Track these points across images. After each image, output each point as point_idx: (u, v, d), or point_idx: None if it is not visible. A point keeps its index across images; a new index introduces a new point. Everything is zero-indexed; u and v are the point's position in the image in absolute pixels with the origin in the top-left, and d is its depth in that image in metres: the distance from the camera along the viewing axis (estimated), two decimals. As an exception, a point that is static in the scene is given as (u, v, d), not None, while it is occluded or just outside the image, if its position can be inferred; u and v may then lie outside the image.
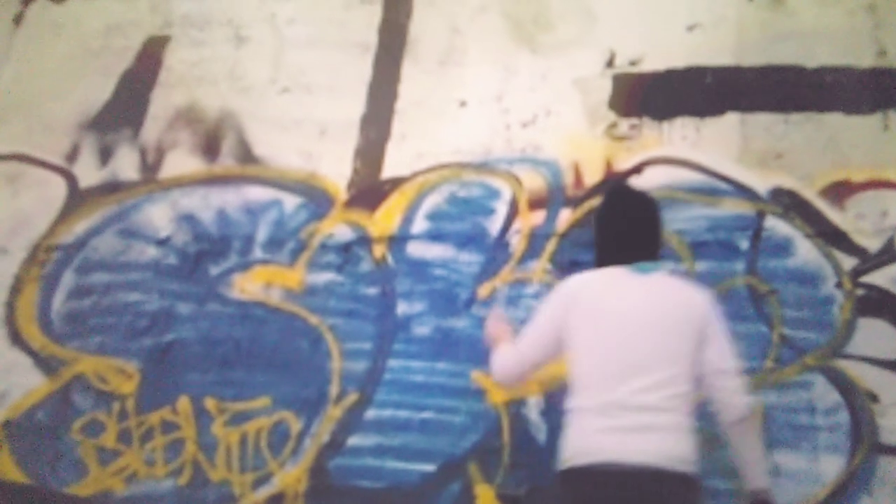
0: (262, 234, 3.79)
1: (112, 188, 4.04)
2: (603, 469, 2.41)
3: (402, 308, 3.56)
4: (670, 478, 2.40)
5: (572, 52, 3.79)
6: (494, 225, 3.59)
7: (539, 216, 3.56)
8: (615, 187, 2.94)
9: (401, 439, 3.40)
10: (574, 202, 3.53)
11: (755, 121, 3.50)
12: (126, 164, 4.07)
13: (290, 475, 3.45)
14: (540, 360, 2.72)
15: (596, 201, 3.44)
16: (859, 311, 3.20)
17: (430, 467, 3.34)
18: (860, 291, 3.21)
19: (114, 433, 3.65)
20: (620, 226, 2.75)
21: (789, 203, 3.36)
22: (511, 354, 2.73)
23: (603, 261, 2.73)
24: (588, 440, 2.49)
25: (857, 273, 3.24)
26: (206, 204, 3.90)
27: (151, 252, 3.88)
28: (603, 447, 2.44)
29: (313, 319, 3.62)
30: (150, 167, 4.04)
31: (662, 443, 2.43)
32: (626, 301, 2.60)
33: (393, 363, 3.50)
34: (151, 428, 3.63)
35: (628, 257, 2.67)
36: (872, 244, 3.26)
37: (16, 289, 3.95)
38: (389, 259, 3.64)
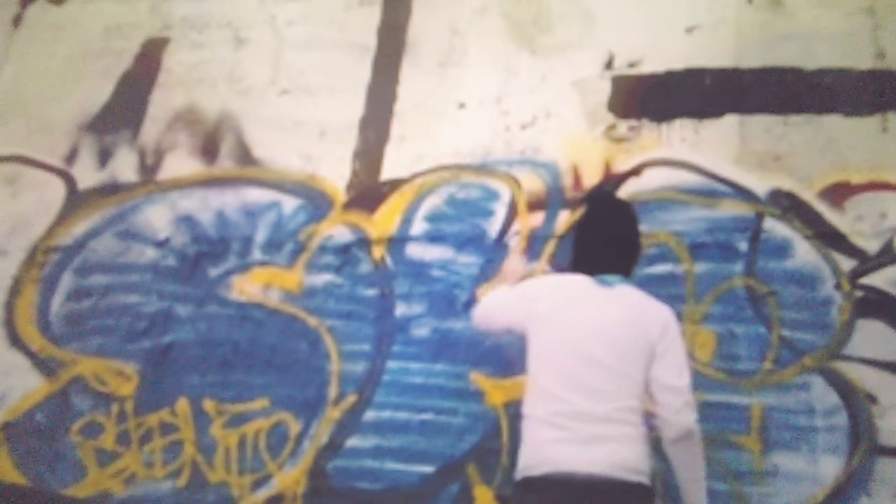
0: (261, 235, 3.79)
1: (111, 190, 4.03)
2: (557, 479, 2.45)
3: (400, 309, 3.56)
4: (623, 488, 2.43)
5: (572, 54, 3.79)
6: (493, 226, 3.59)
7: (538, 218, 3.56)
8: (598, 195, 2.98)
9: (399, 441, 3.40)
10: (573, 204, 3.53)
11: (754, 122, 3.50)
12: (125, 166, 4.07)
13: (289, 477, 3.45)
14: (494, 330, 2.96)
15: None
16: (858, 313, 3.20)
17: (428, 469, 3.34)
18: (859, 293, 3.22)
19: (113, 435, 3.65)
20: (595, 236, 2.81)
21: (788, 204, 3.36)
22: (482, 307, 2.95)
23: (575, 266, 2.79)
24: (542, 451, 2.53)
25: (855, 274, 3.24)
26: (205, 205, 3.90)
27: (150, 254, 3.88)
28: (556, 458, 2.48)
29: (312, 321, 3.62)
30: (149, 169, 4.04)
31: (614, 453, 2.47)
32: (583, 313, 2.65)
33: (392, 365, 3.49)
34: (150, 429, 3.62)
35: (596, 268, 2.72)
36: (871, 246, 3.26)
37: (14, 290, 3.95)
38: (388, 260, 3.64)
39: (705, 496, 2.58)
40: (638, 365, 2.57)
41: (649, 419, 2.60)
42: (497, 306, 2.88)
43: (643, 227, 3.08)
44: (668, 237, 3.40)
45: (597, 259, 2.74)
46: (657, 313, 2.66)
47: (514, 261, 3.24)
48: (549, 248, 3.50)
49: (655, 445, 2.62)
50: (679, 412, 2.53)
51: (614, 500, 2.43)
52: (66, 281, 3.92)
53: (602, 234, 2.79)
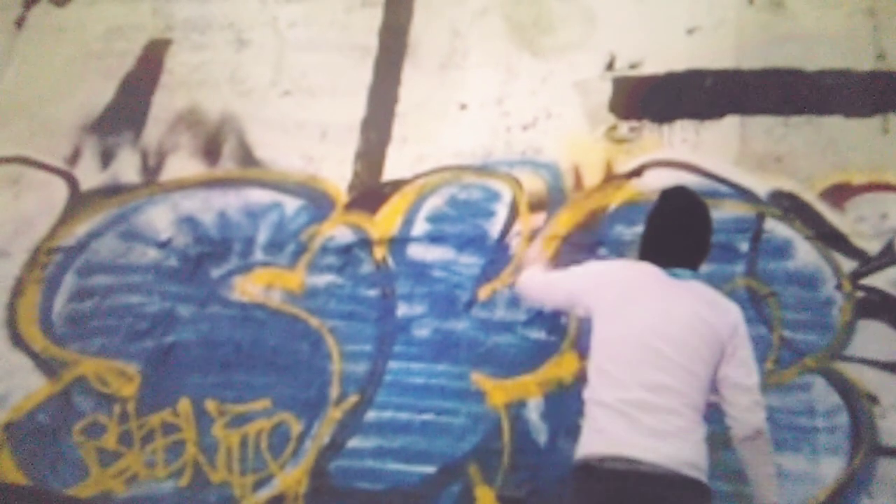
0: (262, 236, 3.80)
1: (113, 191, 4.04)
2: (618, 469, 2.44)
3: (402, 310, 3.57)
4: (684, 483, 2.43)
5: (573, 55, 3.80)
6: (495, 227, 3.60)
7: (539, 218, 3.56)
8: (673, 189, 2.98)
9: (401, 441, 3.40)
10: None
11: (755, 123, 3.50)
12: (127, 167, 4.08)
13: (291, 477, 3.46)
14: (550, 301, 3.01)
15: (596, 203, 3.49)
16: (859, 314, 3.20)
17: (430, 469, 3.34)
18: (860, 293, 3.22)
19: (115, 435, 3.65)
20: (667, 228, 2.78)
21: (789, 205, 3.36)
22: (539, 278, 2.98)
23: (643, 256, 2.79)
24: (605, 435, 2.52)
25: (856, 275, 3.24)
26: (207, 206, 3.91)
27: (152, 254, 3.89)
28: (619, 443, 2.47)
29: (314, 321, 3.63)
30: (151, 170, 4.05)
31: (678, 448, 2.46)
32: (653, 306, 2.63)
33: (393, 365, 3.50)
34: (152, 430, 3.63)
35: (666, 260, 2.71)
36: (872, 246, 3.27)
37: (17, 291, 3.95)
38: (390, 261, 3.64)
39: (776, 491, 2.58)
40: (705, 363, 2.55)
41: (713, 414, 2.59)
42: (551, 283, 2.92)
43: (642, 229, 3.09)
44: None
45: (668, 251, 2.73)
46: (728, 312, 2.64)
47: (538, 249, 3.34)
48: (551, 248, 3.50)
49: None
50: (748, 410, 2.54)
51: (674, 494, 2.42)
52: (69, 281, 3.93)
53: (675, 227, 2.77)
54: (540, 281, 2.97)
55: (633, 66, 3.71)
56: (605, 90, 3.71)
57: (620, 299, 2.67)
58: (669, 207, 2.83)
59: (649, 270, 2.71)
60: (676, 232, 2.76)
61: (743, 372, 2.57)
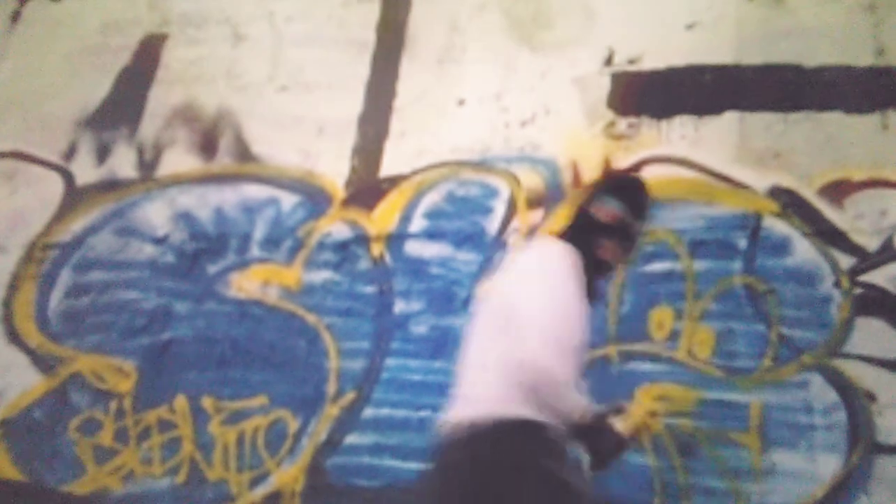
0: (259, 232, 3.79)
1: (109, 186, 4.03)
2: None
3: (399, 307, 3.56)
4: (473, 434, 2.20)
5: (571, 51, 3.78)
6: (492, 224, 3.59)
7: (537, 215, 3.55)
8: None
9: (398, 438, 3.39)
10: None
11: (754, 119, 3.49)
12: (123, 162, 4.07)
13: (287, 474, 3.45)
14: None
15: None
16: (857, 311, 3.19)
17: (427, 466, 3.34)
18: (858, 291, 3.21)
19: (111, 432, 3.65)
20: None
21: (788, 202, 3.35)
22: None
23: None
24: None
25: (855, 272, 3.23)
26: (204, 202, 3.90)
27: (149, 250, 3.87)
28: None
29: (311, 318, 3.62)
30: (147, 165, 4.04)
31: (483, 405, 2.23)
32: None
33: (390, 362, 3.49)
34: (148, 426, 3.62)
35: None
36: (871, 243, 3.25)
37: (13, 287, 3.95)
38: (387, 257, 3.63)
39: None
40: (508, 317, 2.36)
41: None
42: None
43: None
44: (667, 234, 3.39)
45: None
46: (530, 257, 2.51)
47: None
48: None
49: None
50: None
51: (468, 449, 2.23)
52: (65, 278, 3.92)
53: None
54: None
55: (632, 62, 3.70)
56: (604, 86, 3.69)
57: None
58: None
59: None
60: None
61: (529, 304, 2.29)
